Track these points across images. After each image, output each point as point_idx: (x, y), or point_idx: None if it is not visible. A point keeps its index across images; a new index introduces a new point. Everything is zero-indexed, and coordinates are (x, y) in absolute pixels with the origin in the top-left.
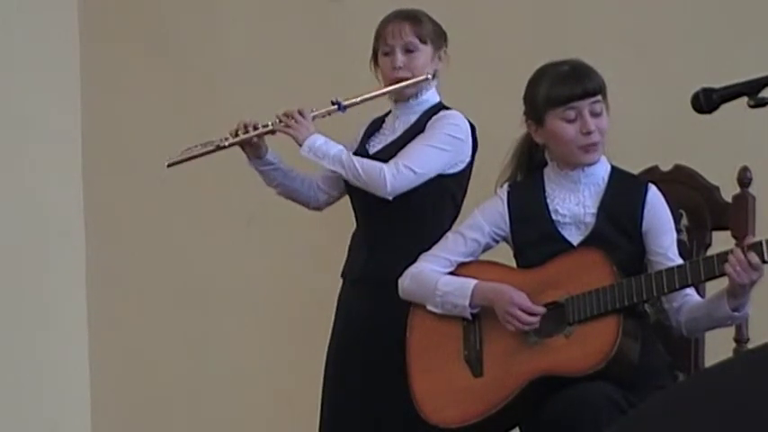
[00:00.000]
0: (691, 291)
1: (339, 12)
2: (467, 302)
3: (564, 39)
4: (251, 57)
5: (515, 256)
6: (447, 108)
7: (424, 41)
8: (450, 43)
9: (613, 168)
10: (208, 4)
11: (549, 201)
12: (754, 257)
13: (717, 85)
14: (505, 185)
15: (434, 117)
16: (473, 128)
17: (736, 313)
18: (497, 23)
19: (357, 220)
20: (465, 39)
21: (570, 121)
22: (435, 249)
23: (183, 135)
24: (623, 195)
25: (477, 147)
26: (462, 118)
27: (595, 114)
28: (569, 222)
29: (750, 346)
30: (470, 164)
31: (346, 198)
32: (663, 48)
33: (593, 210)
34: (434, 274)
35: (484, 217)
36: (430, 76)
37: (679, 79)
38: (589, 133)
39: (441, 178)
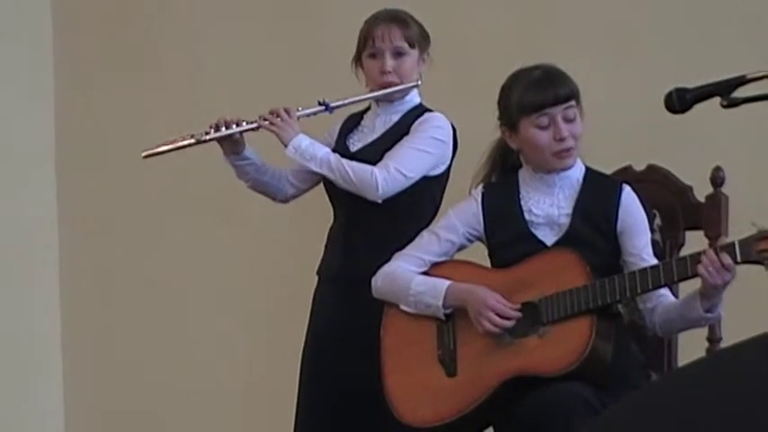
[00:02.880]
0: (665, 291)
1: (316, 11)
2: (440, 303)
3: (540, 40)
4: (226, 55)
5: (490, 256)
6: (429, 110)
7: (412, 45)
8: (431, 45)
9: (588, 169)
10: (186, 3)
11: (523, 202)
12: (726, 258)
13: (690, 85)
14: (480, 187)
15: (419, 119)
16: (454, 129)
17: (708, 314)
18: (475, 25)
19: (335, 216)
20: (443, 40)
21: (543, 128)
22: (409, 249)
23: (157, 133)
24: (598, 196)
25: (457, 148)
26: (445, 120)
27: (569, 120)
28: (543, 223)
29: (723, 345)
30: (450, 166)
31: (322, 194)
32: (636, 48)
33: (568, 211)
34: (408, 274)
35: (458, 217)
36: (419, 83)
37: (652, 79)
38: (562, 139)
39: (423, 180)
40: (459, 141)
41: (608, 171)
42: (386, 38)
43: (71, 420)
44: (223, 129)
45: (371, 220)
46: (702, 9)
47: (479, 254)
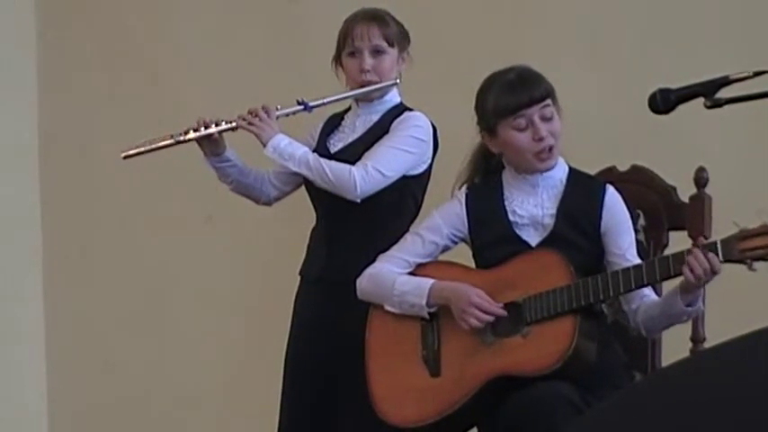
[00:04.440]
0: (648, 291)
1: (296, 11)
2: (424, 301)
3: (525, 40)
4: (210, 53)
5: (474, 256)
6: (409, 109)
7: (391, 44)
8: (411, 44)
9: (571, 170)
10: (166, 2)
11: (506, 202)
12: (714, 259)
13: (673, 86)
14: (464, 188)
15: (399, 118)
16: (434, 129)
17: (689, 308)
18: (455, 25)
19: (317, 217)
20: (425, 39)
21: (522, 130)
22: (393, 250)
23: (142, 129)
24: (581, 197)
25: (437, 147)
26: (425, 119)
27: (546, 119)
28: (527, 224)
29: (707, 345)
30: (431, 165)
31: (305, 194)
32: (620, 49)
33: (552, 211)
34: (392, 275)
35: (442, 219)
36: (399, 81)
37: (636, 80)
38: (541, 139)
39: (404, 179)
40: (444, 141)
41: (592, 172)
42: (365, 37)
43: (54, 416)
44: (202, 129)
45: (353, 220)
46: (686, 10)
47: (463, 255)
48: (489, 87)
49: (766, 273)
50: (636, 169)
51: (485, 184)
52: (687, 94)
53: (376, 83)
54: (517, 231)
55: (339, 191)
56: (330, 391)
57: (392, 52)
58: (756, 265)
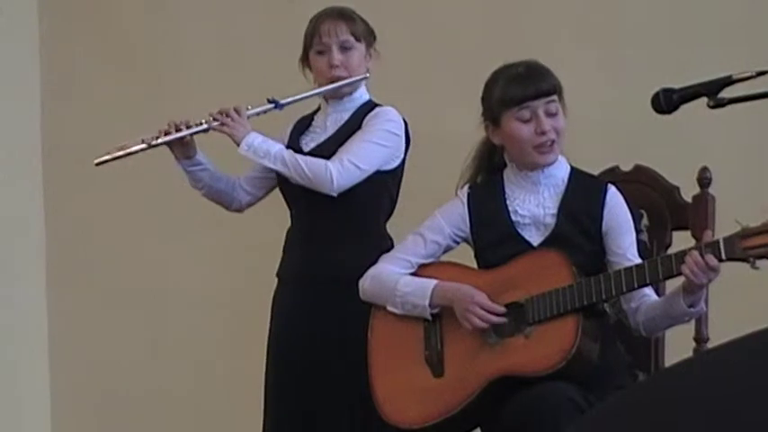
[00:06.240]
0: (649, 291)
1: (296, 11)
2: (426, 302)
3: (527, 39)
4: (208, 56)
5: (476, 257)
6: (379, 104)
7: (358, 39)
8: (408, 44)
9: (573, 169)
10: (168, 4)
11: (508, 202)
12: (712, 260)
13: (676, 86)
14: (465, 187)
15: (371, 114)
16: (406, 124)
17: (691, 309)
18: (455, 25)
19: (292, 218)
20: (425, 40)
21: (525, 122)
22: (395, 251)
23: (143, 132)
24: (583, 196)
25: (409, 143)
26: (397, 114)
27: (550, 114)
28: (529, 223)
29: (710, 345)
30: (404, 159)
31: (280, 196)
32: (623, 48)
33: (554, 211)
34: (394, 276)
35: (444, 219)
36: (368, 75)
37: (639, 80)
38: (544, 133)
39: (378, 175)
40: (444, 141)
41: (595, 171)
42: (332, 33)
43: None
44: (173, 131)
45: (329, 217)
46: (689, 10)
47: (466, 255)
48: (497, 78)
49: None
50: (639, 169)
51: (486, 183)
52: (690, 94)
53: (346, 78)
54: (519, 231)
55: (316, 186)
56: (312, 391)
57: (360, 47)
58: (759, 263)
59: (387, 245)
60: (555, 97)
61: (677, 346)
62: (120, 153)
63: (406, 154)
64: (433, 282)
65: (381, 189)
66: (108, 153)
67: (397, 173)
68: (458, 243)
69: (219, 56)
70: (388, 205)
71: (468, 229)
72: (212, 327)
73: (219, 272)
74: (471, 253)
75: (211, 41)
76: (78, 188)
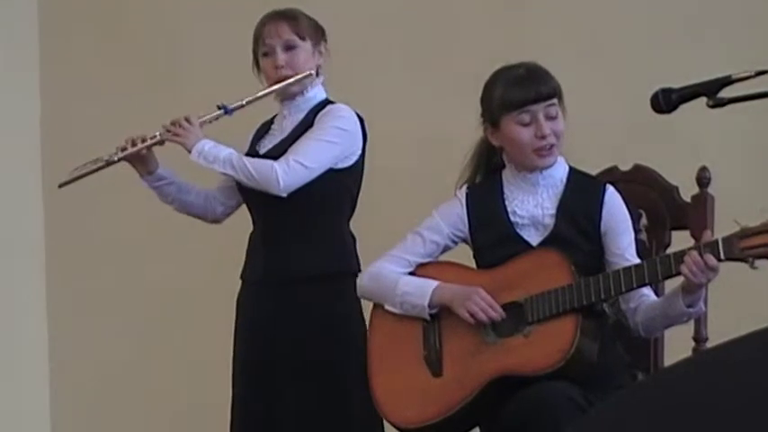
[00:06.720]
0: (647, 291)
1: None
2: (426, 303)
3: (525, 39)
4: (209, 57)
5: (475, 257)
6: (332, 102)
7: (302, 38)
8: (412, 45)
9: (571, 169)
10: (169, 4)
11: (507, 202)
12: (711, 260)
13: (676, 86)
14: (464, 188)
15: (322, 112)
16: (362, 120)
17: (690, 309)
18: (455, 27)
19: (254, 221)
20: (424, 41)
21: (525, 125)
22: (394, 250)
23: (144, 129)
24: (581, 196)
25: (366, 139)
26: (349, 110)
27: (550, 118)
28: (528, 224)
29: (709, 345)
30: (362, 156)
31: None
32: (622, 48)
33: (552, 211)
34: (394, 275)
35: (443, 219)
36: (314, 73)
37: (638, 79)
38: (543, 137)
39: (334, 173)
40: (444, 141)
41: (594, 171)
42: (274, 34)
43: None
44: (130, 147)
45: (288, 219)
46: (688, 9)
47: (464, 255)
48: (497, 80)
49: None
50: (638, 169)
51: (485, 183)
52: (689, 94)
53: (291, 77)
54: (518, 232)
55: (263, 187)
56: (277, 390)
57: (305, 46)
58: (758, 263)
59: (349, 243)
60: (555, 100)
61: (676, 346)
62: (81, 173)
63: (364, 151)
64: (434, 283)
65: (339, 187)
66: (69, 174)
67: (355, 170)
68: (456, 243)
69: (220, 56)
70: (348, 203)
71: (466, 230)
72: (212, 327)
73: (220, 272)
74: (470, 253)
75: (212, 41)
76: (78, 188)
